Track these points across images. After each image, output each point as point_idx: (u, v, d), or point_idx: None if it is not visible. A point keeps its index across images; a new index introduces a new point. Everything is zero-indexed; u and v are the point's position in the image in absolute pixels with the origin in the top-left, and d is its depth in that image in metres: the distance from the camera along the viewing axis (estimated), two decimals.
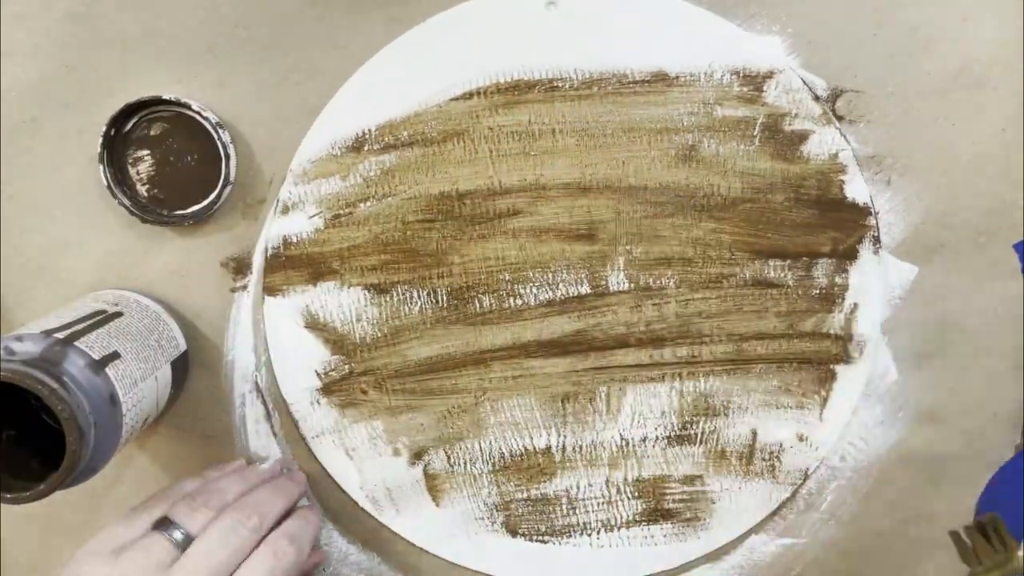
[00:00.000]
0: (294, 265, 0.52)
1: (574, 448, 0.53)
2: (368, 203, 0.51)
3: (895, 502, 0.54)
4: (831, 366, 0.52)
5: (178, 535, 0.42)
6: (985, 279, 0.52)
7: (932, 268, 0.52)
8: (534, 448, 0.53)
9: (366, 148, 0.51)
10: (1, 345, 0.40)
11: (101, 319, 0.45)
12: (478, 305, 0.52)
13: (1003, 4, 0.50)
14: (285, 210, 0.51)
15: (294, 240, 0.52)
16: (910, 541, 0.54)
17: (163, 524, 0.43)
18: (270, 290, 0.52)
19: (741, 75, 0.50)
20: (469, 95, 0.51)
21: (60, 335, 0.42)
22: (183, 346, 0.51)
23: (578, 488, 0.53)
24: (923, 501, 0.54)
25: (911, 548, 0.54)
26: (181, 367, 0.50)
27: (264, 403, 0.53)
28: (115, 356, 0.43)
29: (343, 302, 0.52)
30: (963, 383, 0.53)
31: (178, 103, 0.50)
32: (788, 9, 0.50)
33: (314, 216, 0.51)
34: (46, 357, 0.40)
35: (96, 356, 0.42)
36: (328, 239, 0.52)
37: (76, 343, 0.42)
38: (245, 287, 0.52)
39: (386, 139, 0.51)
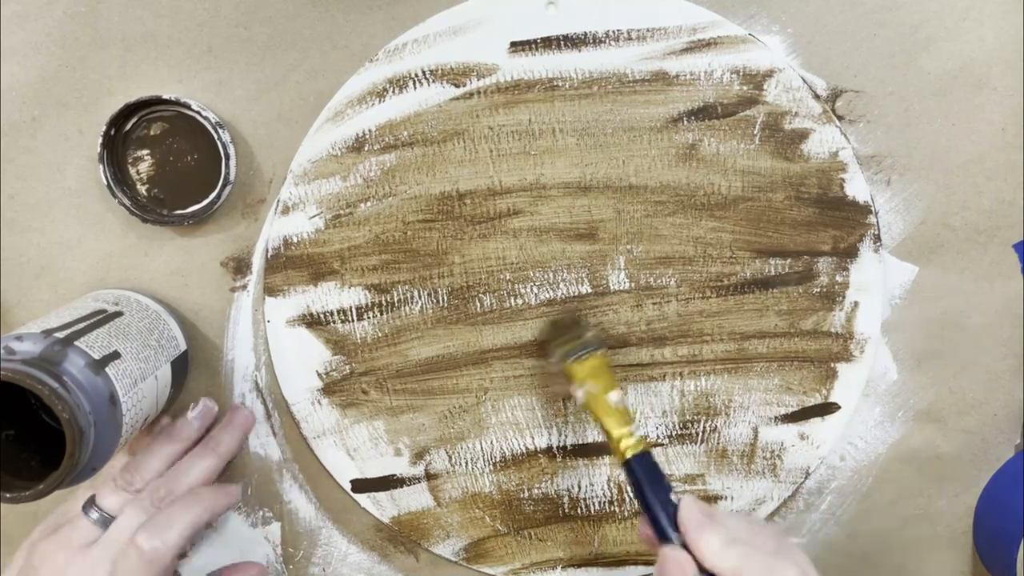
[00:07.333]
0: (295, 265, 0.52)
1: (575, 447, 0.53)
2: (368, 203, 0.51)
3: (895, 502, 0.54)
4: (832, 364, 0.52)
5: (94, 515, 0.46)
6: (985, 279, 0.52)
7: (932, 268, 0.52)
8: (535, 448, 0.53)
9: (366, 148, 0.51)
10: (1, 345, 0.40)
11: (101, 319, 0.45)
12: (479, 305, 0.52)
13: (1003, 4, 0.50)
14: (285, 210, 0.51)
15: (295, 240, 0.52)
16: (910, 541, 0.54)
17: (88, 505, 0.46)
18: (271, 290, 0.52)
19: (741, 74, 0.51)
20: (469, 95, 0.51)
21: (60, 335, 0.42)
22: (183, 346, 0.51)
23: (579, 487, 0.53)
24: (923, 501, 0.54)
25: (911, 548, 0.54)
26: (181, 367, 0.50)
27: (264, 403, 0.53)
28: (115, 356, 0.43)
29: (344, 302, 0.52)
30: (963, 383, 0.53)
31: (178, 103, 0.50)
32: (788, 9, 0.51)
33: (314, 216, 0.51)
34: (46, 357, 0.40)
35: (96, 356, 0.42)
36: (329, 239, 0.51)
37: (76, 343, 0.42)
38: (245, 287, 0.52)
39: (386, 139, 0.51)
